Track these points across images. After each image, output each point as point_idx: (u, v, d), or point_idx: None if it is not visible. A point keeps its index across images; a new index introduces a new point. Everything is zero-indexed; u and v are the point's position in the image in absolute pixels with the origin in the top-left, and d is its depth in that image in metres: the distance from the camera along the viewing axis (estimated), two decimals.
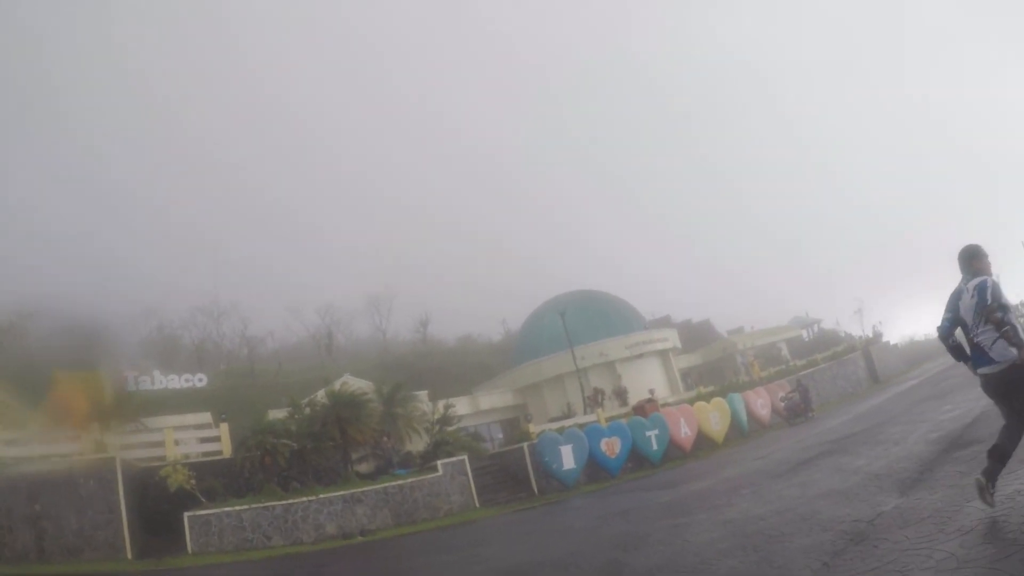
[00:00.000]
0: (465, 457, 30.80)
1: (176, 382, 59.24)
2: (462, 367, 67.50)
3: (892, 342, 61.57)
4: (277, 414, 34.11)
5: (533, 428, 34.81)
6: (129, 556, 21.63)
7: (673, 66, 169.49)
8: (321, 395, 34.56)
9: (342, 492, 26.53)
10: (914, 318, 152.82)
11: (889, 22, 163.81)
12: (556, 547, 15.88)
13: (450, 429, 39.04)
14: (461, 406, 47.84)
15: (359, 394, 34.02)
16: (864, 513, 10.66)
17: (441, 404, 41.05)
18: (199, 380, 60.48)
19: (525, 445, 32.09)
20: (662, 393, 48.98)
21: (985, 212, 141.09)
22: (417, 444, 35.98)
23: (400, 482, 28.44)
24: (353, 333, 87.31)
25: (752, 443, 33.22)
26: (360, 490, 27.07)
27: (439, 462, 30.00)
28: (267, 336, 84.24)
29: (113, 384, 51.57)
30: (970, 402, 20.36)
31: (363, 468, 33.74)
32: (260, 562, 21.64)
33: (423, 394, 42.02)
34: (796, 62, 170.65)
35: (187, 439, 32.32)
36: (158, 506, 25.13)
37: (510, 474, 32.71)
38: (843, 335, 65.64)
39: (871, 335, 59.20)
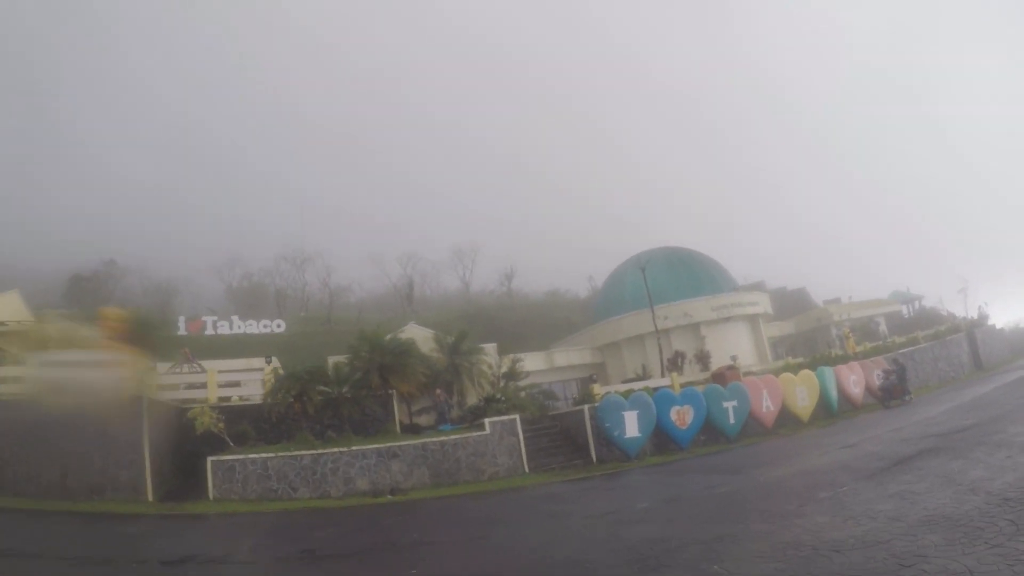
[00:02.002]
0: (516, 417, 27.05)
1: (255, 327, 58.77)
2: (545, 323, 63.98)
3: (998, 326, 55.46)
4: (339, 360, 31.08)
5: (599, 389, 31.02)
6: (150, 498, 20.64)
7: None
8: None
9: (376, 446, 23.97)
10: (1020, 302, 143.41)
11: None
12: (569, 543, 12.38)
13: (521, 384, 36.10)
14: (535, 362, 44.75)
15: (406, 342, 30.72)
16: (997, 570, 6.63)
17: (508, 358, 37.69)
18: (277, 326, 59.43)
19: (586, 408, 28.25)
20: (748, 361, 44.58)
21: None
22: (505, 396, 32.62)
23: (442, 439, 25.28)
24: (440, 284, 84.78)
25: (841, 425, 28.65)
26: (397, 444, 24.35)
27: (487, 420, 26.41)
28: (353, 285, 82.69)
29: (168, 323, 51.82)
30: None
31: (423, 421, 31.39)
32: (274, 514, 19.62)
33: (491, 347, 38.62)
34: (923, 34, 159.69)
35: (248, 381, 29.98)
36: (187, 448, 23.41)
37: (569, 438, 29.01)
38: (945, 314, 59.52)
39: (976, 316, 53.26)
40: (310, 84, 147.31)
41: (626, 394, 28.87)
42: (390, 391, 29.59)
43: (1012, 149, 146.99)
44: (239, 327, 58.21)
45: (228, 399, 27.74)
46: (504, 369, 36.97)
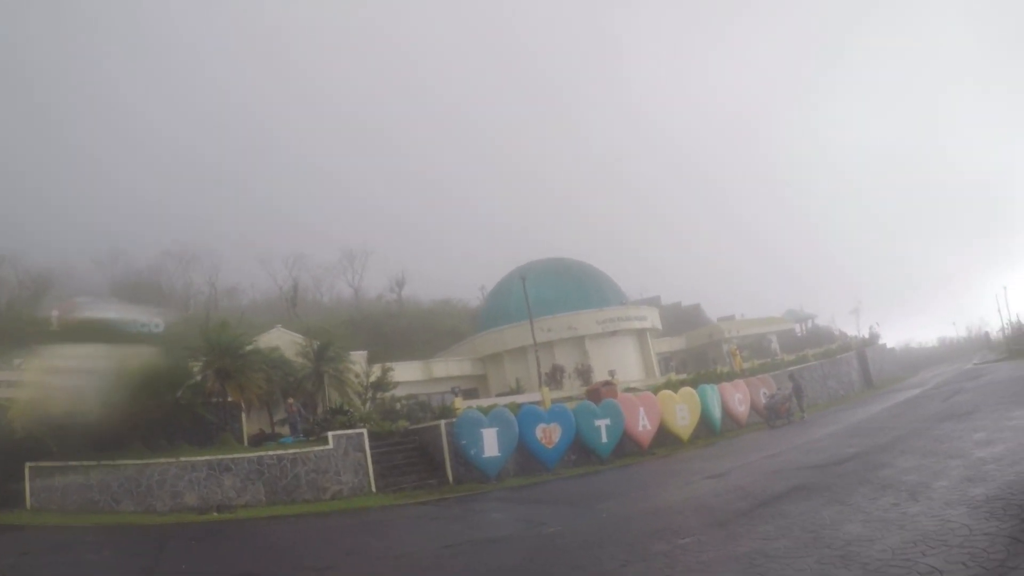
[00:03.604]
0: (364, 431, 23.70)
1: (132, 327, 53.52)
2: (432, 332, 60.20)
3: (889, 345, 54.61)
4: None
5: (460, 404, 27.76)
6: None
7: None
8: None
9: (207, 457, 21.04)
10: (910, 324, 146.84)
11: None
12: None
13: (398, 395, 33.70)
14: (412, 372, 41.58)
15: (248, 346, 27.01)
16: None
17: (378, 367, 34.18)
18: (155, 327, 54.47)
19: (443, 423, 24.82)
20: (635, 376, 41.87)
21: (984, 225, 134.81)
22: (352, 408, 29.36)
23: (280, 452, 22.07)
24: (334, 289, 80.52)
25: (720, 446, 26.13)
26: (229, 457, 21.35)
27: (330, 433, 23.11)
28: (245, 286, 77.95)
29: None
30: (1008, 431, 13.69)
31: (286, 431, 27.83)
32: (86, 528, 17.15)
33: (360, 354, 35.17)
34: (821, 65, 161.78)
35: None
36: (9, 451, 20.08)
37: (427, 455, 25.58)
38: (837, 333, 58.55)
39: (867, 336, 52.10)
40: (202, 65, 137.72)
41: (485, 410, 25.54)
42: (230, 399, 25.89)
43: (909, 175, 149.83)
44: (116, 326, 53.56)
45: None
46: (373, 378, 33.47)
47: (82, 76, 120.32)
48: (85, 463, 19.83)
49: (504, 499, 19.81)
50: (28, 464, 19.40)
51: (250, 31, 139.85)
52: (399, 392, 34.53)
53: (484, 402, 29.32)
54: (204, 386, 25.24)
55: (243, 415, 27.35)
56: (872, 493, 10.40)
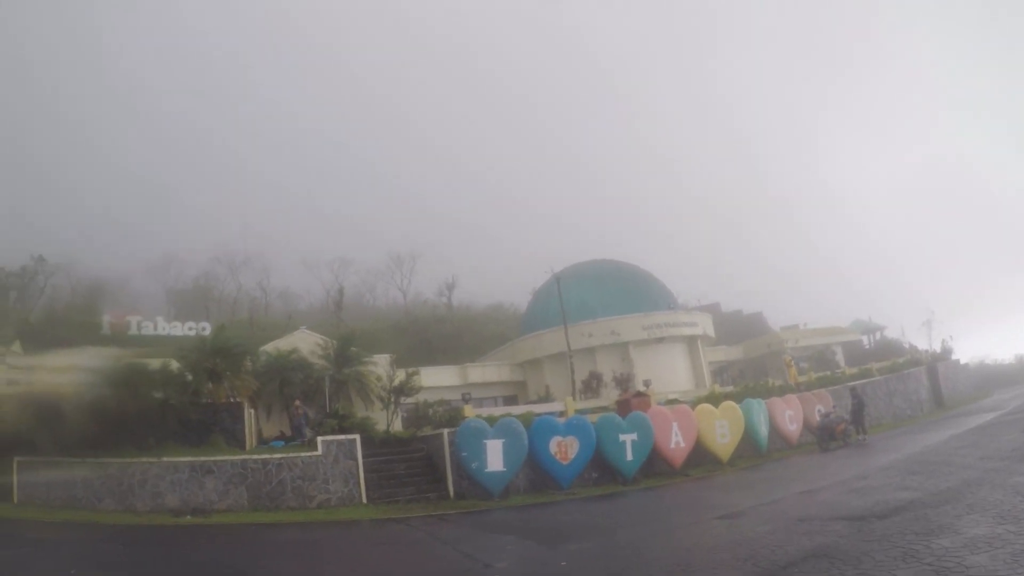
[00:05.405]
0: (356, 437, 21.37)
1: (179, 329, 54.08)
2: (479, 336, 57.28)
3: (963, 361, 49.52)
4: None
5: (470, 411, 24.69)
6: None
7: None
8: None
9: (190, 459, 19.82)
10: (987, 339, 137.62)
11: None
12: None
13: (427, 401, 31.16)
14: (447, 377, 39.02)
15: (237, 346, 24.94)
16: None
17: (402, 371, 31.44)
18: (203, 328, 53.72)
19: (445, 432, 21.96)
20: (684, 387, 37.99)
21: None
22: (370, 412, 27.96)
23: (265, 457, 20.62)
24: (388, 293, 78.76)
25: (762, 471, 22.56)
26: (212, 459, 20.03)
27: (320, 439, 21.04)
28: (299, 289, 77.43)
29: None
30: None
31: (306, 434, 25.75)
32: (54, 525, 16.54)
33: (383, 357, 32.45)
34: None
35: None
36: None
37: (431, 466, 22.74)
38: (907, 346, 53.18)
39: (939, 350, 47.10)
40: (247, 72, 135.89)
41: (491, 419, 22.31)
42: (234, 399, 24.38)
43: (992, 187, 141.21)
44: (164, 328, 53.65)
45: None
46: (396, 382, 30.73)
47: (131, 88, 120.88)
48: (70, 459, 19.06)
49: (488, 524, 16.91)
50: (16, 459, 18.93)
51: (294, 31, 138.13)
52: (433, 398, 31.92)
53: (516, 410, 26.23)
54: (195, 385, 23.26)
55: (247, 416, 24.98)
56: (915, 573, 6.75)
